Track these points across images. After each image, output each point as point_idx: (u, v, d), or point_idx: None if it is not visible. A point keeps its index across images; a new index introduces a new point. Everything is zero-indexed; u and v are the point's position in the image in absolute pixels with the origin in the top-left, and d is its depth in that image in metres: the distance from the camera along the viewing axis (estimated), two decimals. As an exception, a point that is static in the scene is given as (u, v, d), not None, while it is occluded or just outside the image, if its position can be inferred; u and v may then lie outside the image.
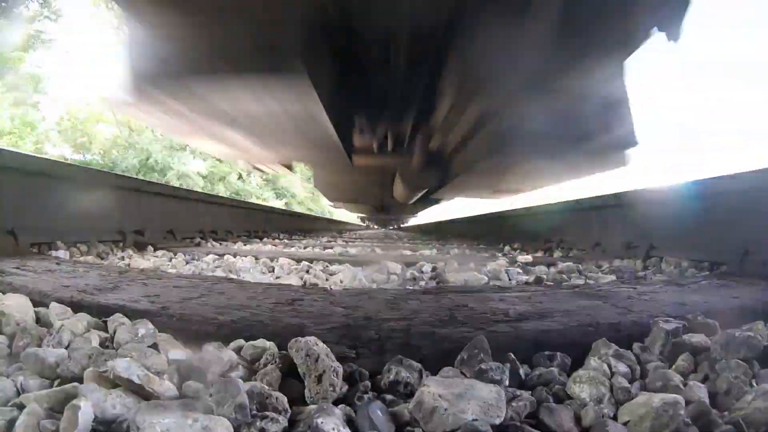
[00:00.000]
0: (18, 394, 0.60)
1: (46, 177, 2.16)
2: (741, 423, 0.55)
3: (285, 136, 2.54)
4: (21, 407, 0.53)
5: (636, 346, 0.79)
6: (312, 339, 0.67)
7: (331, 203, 8.62)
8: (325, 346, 0.67)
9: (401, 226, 15.75)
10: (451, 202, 5.49)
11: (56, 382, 0.62)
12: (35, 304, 0.91)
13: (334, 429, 0.51)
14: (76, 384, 0.57)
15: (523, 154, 2.49)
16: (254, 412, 0.54)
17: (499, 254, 2.92)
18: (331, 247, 3.52)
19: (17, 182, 1.98)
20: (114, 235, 2.60)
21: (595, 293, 1.16)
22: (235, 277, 1.69)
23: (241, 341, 0.75)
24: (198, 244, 3.30)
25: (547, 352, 0.75)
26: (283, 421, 0.53)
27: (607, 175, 2.65)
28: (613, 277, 1.79)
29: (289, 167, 3.83)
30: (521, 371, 0.70)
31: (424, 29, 1.87)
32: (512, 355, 0.71)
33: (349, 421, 0.55)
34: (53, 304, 0.90)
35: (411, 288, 1.58)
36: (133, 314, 0.85)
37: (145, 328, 0.76)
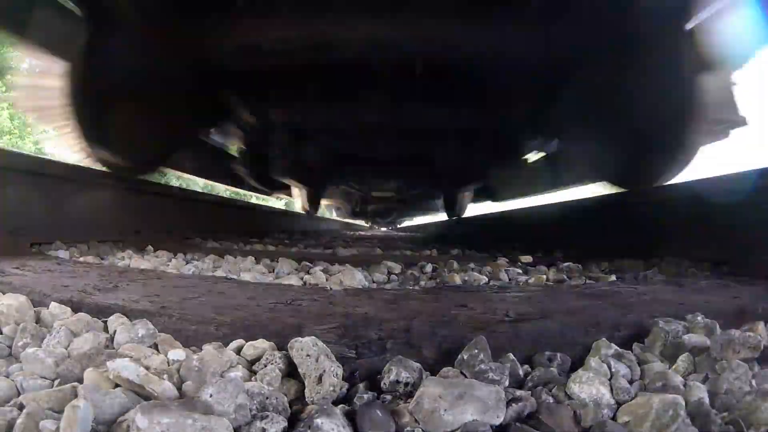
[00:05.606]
0: (18, 394, 0.60)
1: (46, 177, 2.16)
2: (741, 423, 0.55)
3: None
4: (21, 407, 0.53)
5: (636, 346, 0.79)
6: (312, 339, 0.67)
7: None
8: (325, 345, 0.67)
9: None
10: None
11: (56, 382, 0.62)
12: (35, 304, 0.91)
13: (334, 429, 0.51)
14: (76, 384, 0.57)
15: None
16: (254, 412, 0.54)
17: (500, 254, 2.92)
18: (332, 247, 3.52)
19: (17, 182, 1.98)
20: (114, 235, 2.60)
21: (594, 292, 1.15)
22: (235, 276, 1.68)
23: (241, 341, 0.75)
24: (198, 244, 3.29)
25: (547, 353, 0.75)
26: (283, 421, 0.53)
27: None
28: (613, 277, 1.78)
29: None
30: (521, 371, 0.70)
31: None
32: (512, 356, 0.71)
33: (350, 421, 0.55)
34: (53, 304, 0.90)
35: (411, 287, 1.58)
36: (133, 314, 0.85)
37: (144, 328, 0.76)
